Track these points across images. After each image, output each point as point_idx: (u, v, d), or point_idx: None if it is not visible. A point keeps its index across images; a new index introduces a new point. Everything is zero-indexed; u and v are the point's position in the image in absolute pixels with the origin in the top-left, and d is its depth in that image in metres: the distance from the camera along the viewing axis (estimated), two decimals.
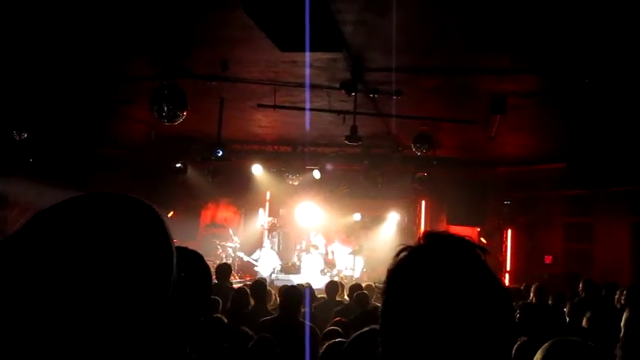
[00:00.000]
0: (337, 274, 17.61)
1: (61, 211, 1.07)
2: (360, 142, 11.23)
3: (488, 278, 1.23)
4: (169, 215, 15.89)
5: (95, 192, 1.12)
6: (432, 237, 1.31)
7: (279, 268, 18.25)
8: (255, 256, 18.22)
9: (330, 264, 18.62)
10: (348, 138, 10.54)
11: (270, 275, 17.29)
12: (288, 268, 18.48)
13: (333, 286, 10.03)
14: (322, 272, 17.86)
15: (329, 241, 19.41)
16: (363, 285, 10.93)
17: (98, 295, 1.00)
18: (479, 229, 17.18)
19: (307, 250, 18.79)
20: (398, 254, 1.30)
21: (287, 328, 5.99)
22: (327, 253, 19.01)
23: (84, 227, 1.04)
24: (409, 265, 1.27)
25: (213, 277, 10.21)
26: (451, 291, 1.20)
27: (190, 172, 17.04)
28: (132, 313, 1.02)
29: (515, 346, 4.51)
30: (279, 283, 14.05)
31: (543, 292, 9.35)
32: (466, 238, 1.30)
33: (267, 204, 19.82)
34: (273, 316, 6.70)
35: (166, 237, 1.12)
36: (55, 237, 1.02)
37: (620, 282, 10.46)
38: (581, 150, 13.65)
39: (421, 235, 1.31)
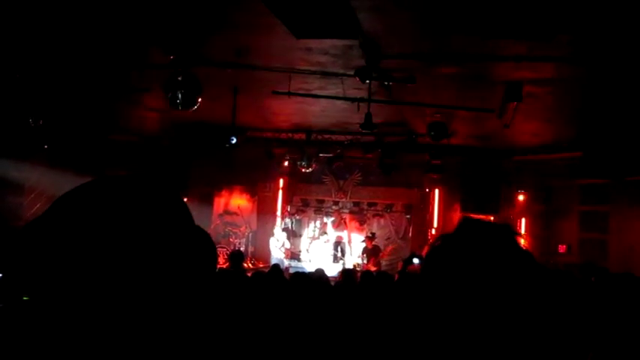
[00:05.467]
0: (351, 263, 17.60)
1: (86, 194, 1.07)
2: (374, 130, 11.19)
3: (529, 263, 1.21)
4: None
5: (116, 175, 1.12)
6: (469, 223, 1.29)
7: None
8: (276, 242, 18.23)
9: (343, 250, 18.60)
10: (362, 126, 10.50)
11: (284, 262, 17.30)
12: (300, 256, 18.53)
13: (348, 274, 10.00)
14: (335, 260, 17.85)
15: (343, 228, 19.42)
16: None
17: (125, 276, 1.00)
18: (492, 218, 17.11)
19: (318, 238, 18.83)
20: (435, 240, 1.29)
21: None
22: (349, 240, 19.00)
23: (110, 209, 1.04)
24: (448, 250, 1.25)
25: (227, 263, 10.27)
26: (492, 276, 1.18)
27: (204, 159, 17.10)
28: (160, 293, 1.03)
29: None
30: (292, 271, 14.07)
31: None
32: (504, 224, 1.28)
33: (281, 191, 19.85)
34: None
35: (190, 218, 1.13)
36: (82, 219, 1.02)
37: (636, 271, 10.38)
38: (597, 138, 13.53)
39: (459, 220, 1.29)
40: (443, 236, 1.29)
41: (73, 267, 0.98)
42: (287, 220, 19.68)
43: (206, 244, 1.13)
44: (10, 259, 1.02)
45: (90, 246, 0.99)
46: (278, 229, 18.60)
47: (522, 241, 1.24)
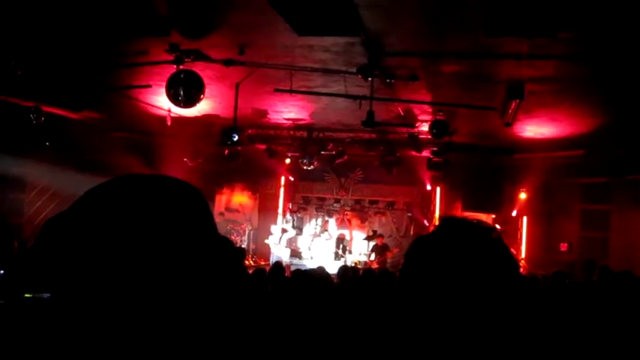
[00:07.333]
0: (352, 260, 17.58)
1: (111, 191, 1.07)
2: (376, 128, 11.18)
3: (505, 262, 1.23)
4: None
5: (141, 173, 1.13)
6: (448, 221, 1.31)
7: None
8: (273, 239, 18.23)
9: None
10: (364, 123, 10.49)
11: (283, 259, 17.29)
12: (302, 253, 18.54)
13: (344, 271, 9.93)
14: (336, 257, 17.84)
15: (346, 225, 19.42)
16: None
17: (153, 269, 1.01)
18: (494, 217, 17.10)
19: (320, 235, 18.84)
20: (415, 240, 1.31)
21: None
22: (351, 238, 18.99)
23: (134, 209, 1.05)
24: (425, 248, 1.27)
25: None
26: (466, 273, 1.20)
27: (206, 156, 17.10)
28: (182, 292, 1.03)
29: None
30: (294, 268, 14.06)
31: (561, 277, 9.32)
32: (482, 222, 1.30)
33: (282, 189, 19.87)
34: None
35: (211, 218, 1.14)
36: (106, 217, 1.02)
37: (637, 270, 10.38)
38: (599, 137, 13.52)
39: (438, 219, 1.31)
40: (421, 237, 1.32)
41: (93, 265, 0.98)
42: (288, 216, 19.68)
43: (228, 248, 1.15)
44: (29, 256, 1.03)
45: (112, 245, 1.00)
46: (274, 227, 18.59)
47: (498, 237, 1.26)
